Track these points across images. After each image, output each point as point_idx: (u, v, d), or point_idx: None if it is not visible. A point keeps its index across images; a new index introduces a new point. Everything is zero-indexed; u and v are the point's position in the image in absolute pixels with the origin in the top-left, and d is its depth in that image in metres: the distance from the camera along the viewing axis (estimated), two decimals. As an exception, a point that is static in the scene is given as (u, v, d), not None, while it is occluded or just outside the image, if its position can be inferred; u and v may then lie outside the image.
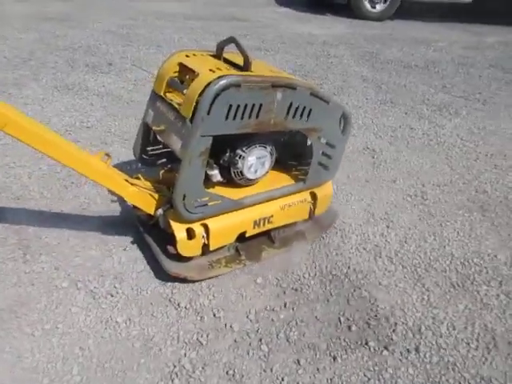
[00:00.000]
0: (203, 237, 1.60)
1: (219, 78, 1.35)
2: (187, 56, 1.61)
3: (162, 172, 1.70)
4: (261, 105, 1.45)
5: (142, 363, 1.36)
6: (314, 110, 1.60)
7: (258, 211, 1.71)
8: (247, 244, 1.82)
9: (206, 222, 1.59)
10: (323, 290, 1.70)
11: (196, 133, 1.38)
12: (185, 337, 1.46)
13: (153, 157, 1.84)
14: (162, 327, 1.48)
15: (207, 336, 1.47)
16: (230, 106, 1.38)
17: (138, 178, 1.63)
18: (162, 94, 1.61)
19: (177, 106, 1.51)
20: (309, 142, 1.80)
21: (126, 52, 4.32)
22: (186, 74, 1.58)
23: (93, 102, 3.15)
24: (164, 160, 1.85)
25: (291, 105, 1.53)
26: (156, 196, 1.61)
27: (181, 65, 1.60)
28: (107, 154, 1.53)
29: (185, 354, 1.40)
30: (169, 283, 1.65)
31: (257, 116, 1.46)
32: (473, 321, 1.61)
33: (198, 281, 1.68)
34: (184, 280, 1.65)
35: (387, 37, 5.94)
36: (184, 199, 1.48)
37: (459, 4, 7.16)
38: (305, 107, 1.58)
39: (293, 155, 1.93)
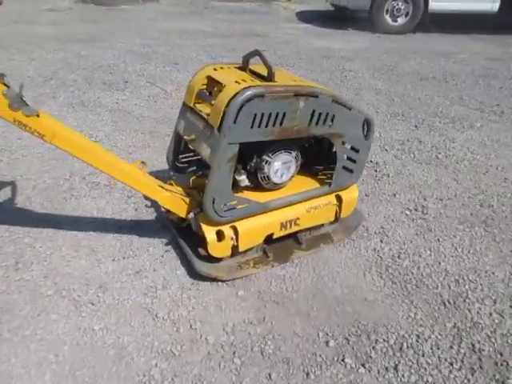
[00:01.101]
0: (232, 238, 1.68)
1: (244, 89, 1.45)
2: (215, 69, 1.74)
3: (192, 178, 1.80)
4: (284, 113, 1.54)
5: (114, 372, 1.38)
6: (336, 116, 1.68)
7: (285, 214, 1.78)
8: (275, 246, 1.88)
9: (235, 224, 1.68)
10: (305, 304, 1.68)
11: (223, 140, 1.48)
12: (159, 347, 1.47)
13: (184, 164, 1.97)
14: (137, 337, 1.50)
15: (181, 347, 1.48)
16: (255, 115, 1.48)
17: (170, 184, 1.75)
18: (191, 105, 1.74)
19: (205, 116, 1.62)
20: (333, 148, 1.87)
21: (143, 70, 4.46)
22: (213, 86, 1.70)
23: (104, 117, 3.27)
24: (194, 167, 1.97)
25: (314, 112, 1.61)
26: (187, 200, 1.72)
27: (209, 78, 1.72)
28: (143, 162, 1.66)
29: (156, 365, 1.41)
30: (150, 293, 1.68)
31: (281, 124, 1.56)
32: (460, 340, 1.54)
33: (227, 280, 1.75)
34: (214, 279, 1.74)
35: (407, 50, 5.87)
36: (213, 203, 1.58)
37: (484, 14, 6.98)
38: (327, 114, 1.65)
39: (318, 160, 2.00)
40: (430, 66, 5.11)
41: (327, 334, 1.55)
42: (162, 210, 1.91)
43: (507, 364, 1.45)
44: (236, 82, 1.53)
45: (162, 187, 1.68)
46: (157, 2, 9.30)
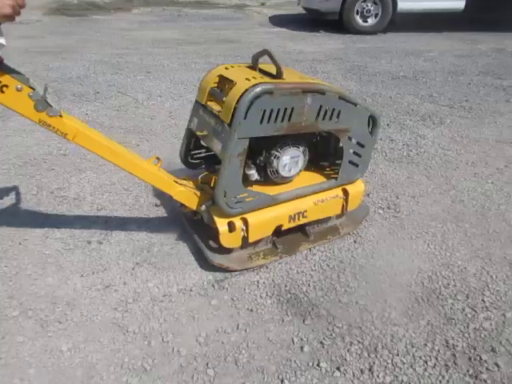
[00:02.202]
0: (243, 230, 1.75)
1: (254, 86, 1.51)
2: (226, 68, 1.80)
3: (204, 173, 1.89)
4: (292, 109, 1.60)
5: (82, 392, 1.34)
6: (342, 112, 1.74)
7: (293, 206, 1.85)
8: (283, 238, 1.96)
9: (246, 216, 1.74)
10: (279, 309, 1.66)
11: (234, 135, 1.54)
12: (129, 363, 1.43)
13: (196, 160, 2.06)
14: (107, 353, 1.46)
15: (153, 361, 1.44)
16: (264, 110, 1.54)
17: (184, 179, 1.84)
18: (204, 102, 1.80)
19: (217, 112, 1.68)
20: (340, 144, 1.95)
21: (114, 80, 4.41)
22: (225, 84, 1.75)
23: (73, 129, 3.20)
24: (205, 163, 2.06)
25: (321, 108, 1.68)
26: (199, 194, 1.81)
27: (220, 76, 1.78)
28: (157, 158, 1.74)
29: (127, 381, 1.37)
30: (120, 308, 1.63)
31: (289, 119, 1.62)
32: (433, 337, 1.54)
33: (238, 271, 1.82)
34: (226, 270, 1.81)
35: (378, 50, 5.95)
36: (225, 196, 1.65)
37: (451, 13, 7.14)
38: (334, 110, 1.71)
39: (324, 156, 2.07)
40: (400, 65, 5.18)
41: (302, 339, 1.53)
42: (177, 204, 1.99)
43: (480, 358, 1.46)
44: (246, 79, 1.59)
45: (176, 182, 1.77)
46: (129, 12, 9.24)
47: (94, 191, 2.40)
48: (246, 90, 1.50)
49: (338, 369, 1.42)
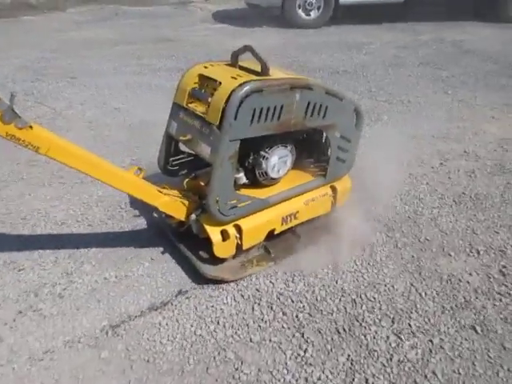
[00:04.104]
0: (236, 237, 1.66)
1: (242, 84, 1.43)
2: (205, 67, 1.70)
3: (186, 181, 1.78)
4: (282, 106, 1.54)
5: None
6: (329, 107, 1.68)
7: (285, 208, 1.78)
8: (274, 242, 1.87)
9: (238, 222, 1.66)
10: (181, 356, 1.44)
11: (225, 138, 1.46)
12: None
13: (175, 167, 1.93)
14: None
15: None
16: (254, 110, 1.47)
17: (164, 187, 1.70)
18: (184, 105, 1.69)
19: (202, 114, 1.58)
20: (326, 140, 1.90)
21: (33, 88, 4.03)
22: (206, 83, 1.65)
23: (-25, 148, 2.85)
24: (186, 170, 1.94)
25: (309, 104, 1.62)
26: (187, 203, 1.70)
27: (200, 76, 1.68)
28: (140, 169, 1.62)
29: None
30: (-13, 374, 1.37)
31: (278, 117, 1.55)
32: (352, 376, 1.36)
33: (233, 281, 1.72)
34: (221, 282, 1.71)
35: (320, 44, 5.81)
36: (217, 202, 1.56)
37: (392, 4, 7.09)
38: (321, 105, 1.66)
39: (309, 153, 2.00)
40: (341, 59, 5.05)
41: (202, 394, 1.32)
42: (155, 215, 1.96)
43: (401, 400, 1.29)
44: (232, 77, 1.51)
45: (160, 192, 1.65)
46: (64, 11, 8.71)
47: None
48: (234, 90, 1.42)
49: (241, 429, 1.22)
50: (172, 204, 1.67)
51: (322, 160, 1.95)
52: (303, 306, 1.63)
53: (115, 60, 5.03)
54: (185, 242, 1.84)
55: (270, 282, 1.75)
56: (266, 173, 1.72)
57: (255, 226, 1.71)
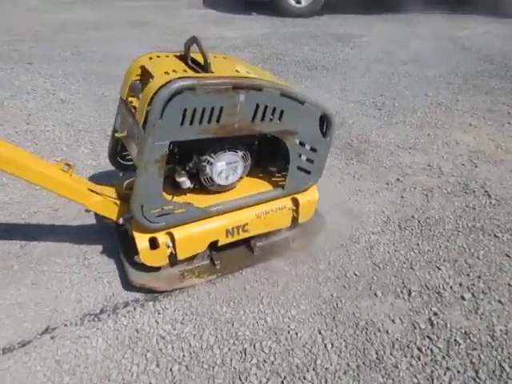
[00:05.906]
0: (169, 246, 1.53)
1: (171, 81, 1.27)
2: (150, 58, 1.57)
3: (128, 180, 1.57)
4: (221, 108, 1.36)
5: None
6: (286, 111, 1.49)
7: (231, 219, 1.63)
8: (225, 253, 1.74)
9: (172, 230, 1.53)
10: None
11: (148, 139, 1.30)
12: None
13: (128, 162, 1.81)
14: None
15: None
16: (185, 110, 1.30)
17: (101, 185, 1.58)
18: (125, 98, 1.60)
19: (134, 111, 1.46)
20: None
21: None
22: (148, 76, 1.51)
23: None
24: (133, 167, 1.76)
25: (258, 107, 1.43)
26: (119, 204, 1.56)
27: (142, 68, 1.56)
28: (68, 164, 1.48)
29: None
30: None
31: (217, 120, 1.38)
32: None
33: (167, 291, 1.61)
34: (150, 291, 1.60)
35: (306, 35, 5.47)
36: (142, 209, 1.42)
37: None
38: (275, 109, 1.47)
39: (273, 161, 1.81)
40: (323, 53, 4.72)
41: None
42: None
43: None
44: (166, 72, 1.34)
45: (92, 191, 1.51)
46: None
47: None
48: (162, 87, 1.26)
49: None
50: (104, 204, 1.55)
51: (286, 169, 1.75)
52: (183, 356, 1.39)
53: (82, 45, 4.75)
54: (125, 244, 1.68)
55: (156, 320, 1.51)
56: (211, 179, 1.57)
57: (192, 236, 1.56)
